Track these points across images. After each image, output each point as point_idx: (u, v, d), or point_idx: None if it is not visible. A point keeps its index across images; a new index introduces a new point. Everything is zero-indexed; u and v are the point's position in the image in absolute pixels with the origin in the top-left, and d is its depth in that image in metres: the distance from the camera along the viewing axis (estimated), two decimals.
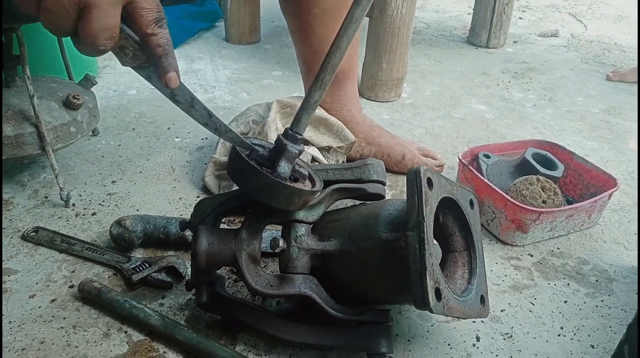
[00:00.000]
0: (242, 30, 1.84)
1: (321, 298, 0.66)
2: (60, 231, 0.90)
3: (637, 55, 1.70)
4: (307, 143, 1.07)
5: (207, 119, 0.59)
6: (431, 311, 0.57)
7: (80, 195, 1.01)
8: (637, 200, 1.07)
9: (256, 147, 0.65)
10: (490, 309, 0.72)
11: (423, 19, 2.27)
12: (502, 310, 0.79)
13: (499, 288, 0.83)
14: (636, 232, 0.97)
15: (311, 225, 0.70)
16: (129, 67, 0.53)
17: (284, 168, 0.61)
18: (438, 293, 0.59)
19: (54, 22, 0.46)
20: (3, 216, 0.94)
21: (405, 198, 0.64)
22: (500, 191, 0.91)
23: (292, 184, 0.62)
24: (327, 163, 1.08)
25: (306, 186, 0.64)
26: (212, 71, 1.64)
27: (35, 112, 0.91)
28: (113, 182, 1.06)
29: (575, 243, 0.95)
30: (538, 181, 0.94)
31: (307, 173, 0.65)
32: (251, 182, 0.61)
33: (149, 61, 0.52)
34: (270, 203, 0.62)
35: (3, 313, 0.74)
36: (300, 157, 1.02)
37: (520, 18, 2.37)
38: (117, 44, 0.50)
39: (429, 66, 1.79)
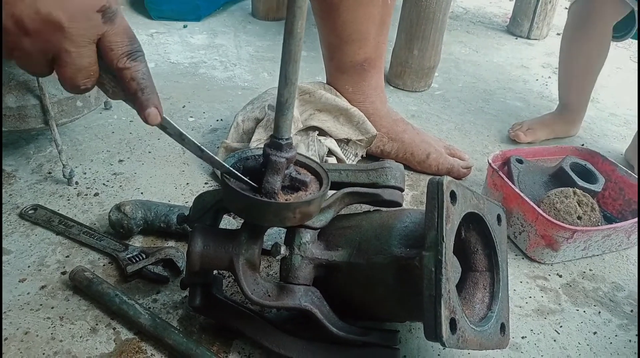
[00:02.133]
0: (270, 5, 1.76)
1: (323, 313, 0.60)
2: (59, 211, 0.86)
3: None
4: (324, 134, 1.00)
5: (199, 153, 0.54)
6: (444, 345, 0.50)
7: (85, 173, 0.97)
8: None
9: (249, 161, 0.59)
10: (510, 336, 0.65)
11: (461, 2, 2.14)
12: (523, 337, 0.72)
13: (522, 311, 0.76)
14: None
15: (318, 231, 0.64)
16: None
17: (270, 182, 0.55)
18: (453, 324, 0.52)
19: (28, 68, 0.45)
20: (4, 190, 0.91)
21: (424, 207, 0.57)
22: (531, 203, 0.82)
23: (285, 198, 0.56)
24: (344, 156, 1.01)
25: (309, 192, 0.57)
26: (234, 47, 1.57)
27: (39, 84, 0.86)
28: (120, 161, 1.01)
29: (611, 265, 0.86)
30: (575, 194, 0.85)
31: (308, 179, 0.58)
32: (235, 204, 0.57)
33: (127, 97, 0.48)
34: (262, 223, 0.57)
35: None
36: (316, 149, 0.96)
37: (566, 8, 2.21)
38: (97, 80, 0.47)
39: (463, 54, 1.68)
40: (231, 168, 0.55)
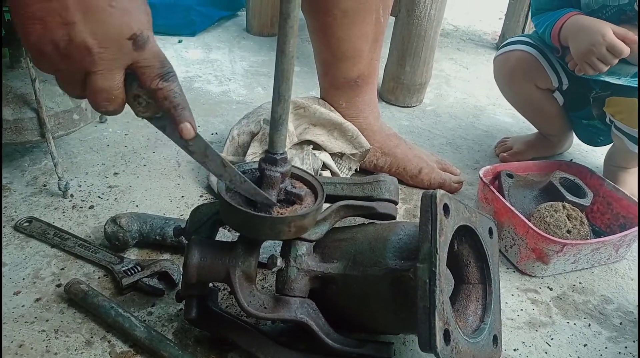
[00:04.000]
0: (264, 21, 1.78)
1: (318, 325, 0.61)
2: (54, 224, 0.86)
3: None
4: (318, 147, 1.01)
5: (222, 169, 0.55)
6: (437, 356, 0.51)
7: (80, 186, 0.97)
8: None
9: (246, 174, 0.60)
10: (502, 348, 0.66)
11: (452, 20, 2.19)
12: (515, 350, 0.73)
13: (513, 323, 0.77)
14: None
15: (313, 243, 0.65)
16: None
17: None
18: (447, 336, 0.53)
19: (66, 88, 0.50)
20: None
21: (418, 220, 0.58)
22: (522, 217, 0.84)
23: (280, 211, 0.57)
24: (338, 170, 1.02)
25: (305, 205, 0.58)
26: (229, 62, 1.59)
27: (36, 97, 0.86)
28: (115, 174, 1.02)
29: (600, 278, 0.88)
30: (564, 208, 0.87)
31: (303, 192, 0.59)
32: (232, 218, 0.58)
33: (162, 113, 0.52)
34: (258, 237, 0.59)
35: None
36: (310, 163, 0.98)
37: None
38: (121, 104, 0.50)
39: (454, 71, 1.71)
40: (262, 192, 0.56)
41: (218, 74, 1.50)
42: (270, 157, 0.56)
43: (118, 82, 0.48)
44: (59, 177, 0.92)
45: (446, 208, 0.58)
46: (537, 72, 1.09)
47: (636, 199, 0.93)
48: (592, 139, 1.19)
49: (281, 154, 0.56)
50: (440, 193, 0.57)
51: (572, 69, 0.99)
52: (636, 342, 0.76)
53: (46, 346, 0.66)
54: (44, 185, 0.96)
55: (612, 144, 1.12)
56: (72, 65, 0.46)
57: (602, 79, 0.97)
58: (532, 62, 1.09)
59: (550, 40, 1.02)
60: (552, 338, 0.75)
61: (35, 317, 0.70)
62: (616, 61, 0.91)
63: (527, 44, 1.11)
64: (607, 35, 0.89)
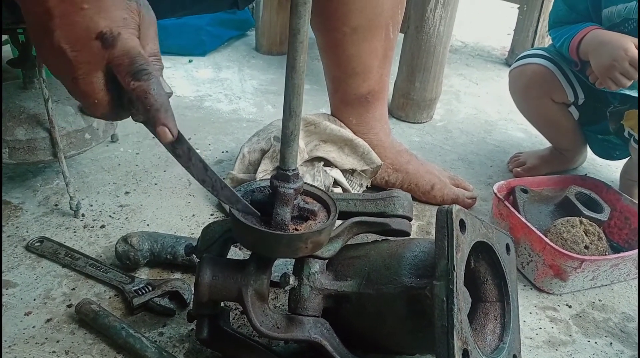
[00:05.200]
0: (273, 40, 1.80)
1: (332, 345, 0.60)
2: (65, 243, 0.86)
3: None
4: (329, 164, 1.01)
5: (204, 174, 0.52)
6: None
7: (91, 205, 0.97)
8: None
9: (256, 193, 0.59)
10: None
11: (460, 37, 2.19)
12: None
13: (532, 342, 0.75)
14: None
15: (326, 261, 0.63)
16: None
17: (280, 214, 0.55)
18: (466, 355, 0.51)
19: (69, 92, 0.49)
20: (10, 223, 0.91)
21: (433, 237, 0.57)
22: (538, 233, 0.82)
23: (294, 228, 0.56)
24: (349, 186, 1.01)
25: (318, 221, 0.58)
26: (238, 80, 1.60)
27: (49, 117, 0.87)
28: (126, 193, 1.02)
29: (620, 295, 0.85)
30: (581, 223, 0.85)
31: (316, 208, 0.58)
32: (246, 238, 0.57)
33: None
34: (274, 255, 0.58)
35: None
36: (322, 179, 0.97)
37: None
38: (107, 107, 0.48)
39: (464, 87, 1.71)
40: (241, 199, 0.55)
41: (228, 93, 1.51)
42: (283, 174, 0.56)
43: (98, 85, 0.46)
44: (70, 197, 0.92)
45: (462, 224, 0.56)
46: (552, 86, 1.08)
47: None
48: (608, 154, 1.18)
49: (293, 170, 0.56)
50: (456, 208, 0.56)
51: (593, 83, 0.98)
52: None
53: None
54: (56, 205, 0.96)
55: (628, 158, 1.10)
56: (60, 72, 0.47)
57: (622, 92, 0.96)
58: (548, 75, 1.08)
59: (568, 54, 1.01)
60: None
61: (46, 338, 0.70)
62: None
63: (543, 57, 1.10)
64: (629, 50, 0.89)
